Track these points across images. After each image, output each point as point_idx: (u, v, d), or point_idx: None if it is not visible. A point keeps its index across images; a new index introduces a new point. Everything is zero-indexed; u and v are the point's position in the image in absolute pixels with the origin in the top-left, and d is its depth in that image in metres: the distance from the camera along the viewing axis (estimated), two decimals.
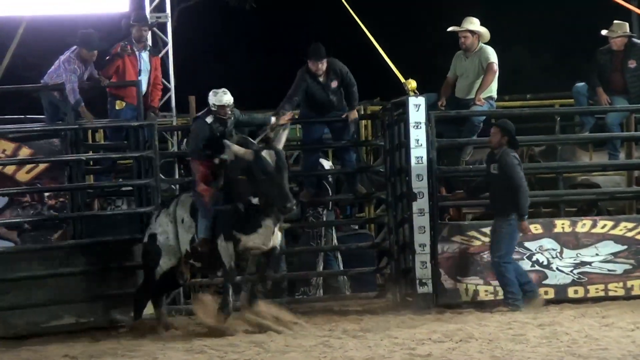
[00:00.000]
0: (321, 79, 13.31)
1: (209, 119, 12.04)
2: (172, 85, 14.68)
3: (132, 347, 11.11)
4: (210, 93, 12.11)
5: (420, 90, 13.31)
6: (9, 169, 12.82)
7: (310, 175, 13.73)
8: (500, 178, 12.44)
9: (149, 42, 14.25)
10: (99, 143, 15.34)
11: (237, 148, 11.72)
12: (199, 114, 12.33)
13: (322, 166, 14.08)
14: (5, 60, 14.59)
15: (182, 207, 12.18)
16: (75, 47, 13.29)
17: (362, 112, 15.05)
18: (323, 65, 13.24)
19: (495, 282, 12.77)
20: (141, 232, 12.72)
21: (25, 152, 12.87)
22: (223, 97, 12.06)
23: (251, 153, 11.64)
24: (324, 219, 13.99)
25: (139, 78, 13.79)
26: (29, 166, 12.87)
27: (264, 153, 11.64)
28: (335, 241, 13.97)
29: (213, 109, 12.03)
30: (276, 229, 11.88)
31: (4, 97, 14.99)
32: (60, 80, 13.17)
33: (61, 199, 13.00)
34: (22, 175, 12.86)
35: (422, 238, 12.94)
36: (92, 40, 13.34)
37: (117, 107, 13.82)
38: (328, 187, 13.94)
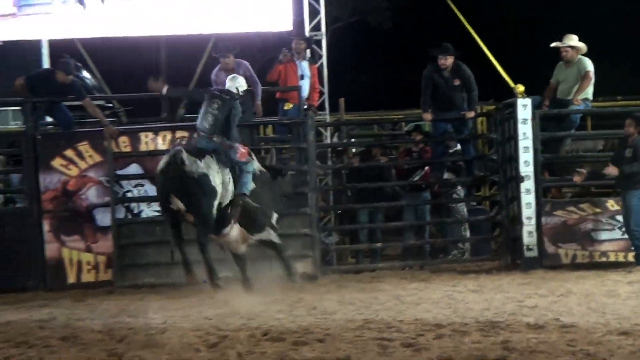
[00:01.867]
0: (446, 74, 13.29)
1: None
2: (326, 89, 14.85)
3: (295, 297, 11.22)
4: (228, 82, 11.37)
5: (527, 93, 13.25)
6: None
7: (438, 162, 13.77)
8: (631, 160, 12.32)
9: (308, 54, 14.43)
10: (268, 136, 15.61)
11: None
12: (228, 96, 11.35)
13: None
14: (197, 70, 14.95)
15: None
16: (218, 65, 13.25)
17: (479, 111, 15.01)
18: (448, 61, 13.20)
19: (591, 247, 12.69)
20: (302, 207, 12.92)
21: None
22: (242, 81, 11.34)
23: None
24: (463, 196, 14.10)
25: (300, 83, 13.97)
26: None
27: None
28: (465, 214, 14.00)
29: (242, 93, 11.36)
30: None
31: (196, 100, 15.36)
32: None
33: None
34: None
35: (528, 212, 12.87)
36: (69, 67, 12.99)
37: (285, 108, 14.01)
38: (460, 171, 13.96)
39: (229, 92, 11.26)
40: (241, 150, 11.13)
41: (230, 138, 11.16)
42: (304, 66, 14.04)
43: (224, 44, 13.13)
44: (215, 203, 10.89)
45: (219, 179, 10.99)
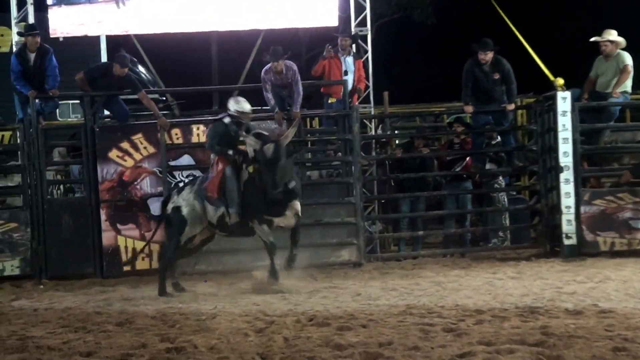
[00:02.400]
0: (486, 69, 13.19)
1: (226, 120, 11.26)
2: (370, 83, 14.78)
3: (340, 284, 11.26)
4: (232, 100, 11.34)
5: (566, 87, 13.13)
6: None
7: (479, 153, 13.68)
8: None
9: (354, 49, 14.36)
10: (314, 128, 15.58)
11: (250, 140, 10.97)
12: (218, 117, 11.54)
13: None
14: (247, 64, 14.97)
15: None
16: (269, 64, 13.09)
17: (519, 104, 14.89)
18: (488, 56, 13.11)
19: (629, 235, 12.54)
20: (347, 197, 12.91)
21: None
22: (246, 105, 11.27)
23: (258, 144, 10.90)
24: (504, 186, 14.02)
25: (345, 78, 13.91)
26: None
27: (267, 146, 10.84)
28: (505, 203, 13.90)
29: (235, 114, 11.20)
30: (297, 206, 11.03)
31: (247, 93, 15.37)
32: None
33: None
34: None
35: (568, 201, 12.72)
36: (125, 60, 13.03)
37: (329, 101, 13.99)
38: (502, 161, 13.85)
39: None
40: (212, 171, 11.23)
41: (209, 149, 11.35)
42: (349, 62, 14.00)
43: (276, 50, 13.06)
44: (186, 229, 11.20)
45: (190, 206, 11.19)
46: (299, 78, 13.00)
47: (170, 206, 11.27)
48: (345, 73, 13.86)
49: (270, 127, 12.92)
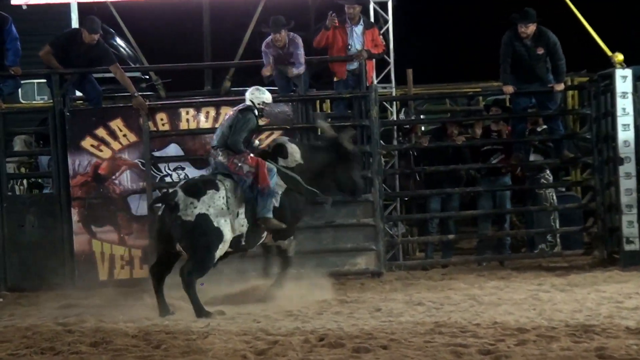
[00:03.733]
0: (528, 42, 13.15)
1: (256, 112, 11.28)
2: (391, 59, 14.73)
3: (357, 298, 11.27)
4: (255, 91, 11.32)
5: (627, 63, 13.06)
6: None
7: (520, 141, 13.64)
8: None
9: (371, 19, 14.25)
10: (325, 113, 15.53)
11: (326, 126, 11.50)
12: (243, 106, 11.29)
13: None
14: (245, 38, 14.92)
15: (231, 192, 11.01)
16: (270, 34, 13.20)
17: (569, 83, 14.85)
18: (530, 29, 13.08)
19: None
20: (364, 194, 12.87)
21: (262, 120, 13.11)
22: (269, 95, 11.35)
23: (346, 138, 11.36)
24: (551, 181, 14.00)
25: (350, 52, 13.78)
26: (266, 133, 13.05)
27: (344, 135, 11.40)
28: (553, 201, 13.85)
29: (260, 105, 11.25)
30: None
31: (244, 71, 15.36)
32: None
33: None
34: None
35: (628, 199, 12.75)
36: (94, 24, 12.97)
37: (335, 79, 13.90)
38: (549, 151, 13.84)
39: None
40: (248, 168, 11.01)
41: (234, 147, 11.04)
42: (357, 32, 13.86)
43: (277, 20, 13.05)
44: (220, 245, 10.78)
45: (226, 215, 10.86)
46: (302, 52, 13.04)
47: (192, 211, 10.76)
48: (349, 47, 13.72)
49: (272, 111, 12.90)
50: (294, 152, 11.38)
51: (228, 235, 10.82)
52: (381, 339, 8.64)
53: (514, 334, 8.66)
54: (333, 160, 11.42)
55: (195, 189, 10.86)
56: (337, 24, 13.75)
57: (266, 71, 13.17)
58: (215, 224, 10.73)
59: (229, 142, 11.06)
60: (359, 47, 13.70)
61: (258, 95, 11.32)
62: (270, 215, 11.00)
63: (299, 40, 13.25)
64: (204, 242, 10.70)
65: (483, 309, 10.15)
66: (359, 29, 13.89)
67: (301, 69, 13.18)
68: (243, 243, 11.04)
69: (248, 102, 11.27)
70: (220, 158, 11.11)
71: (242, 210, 10.95)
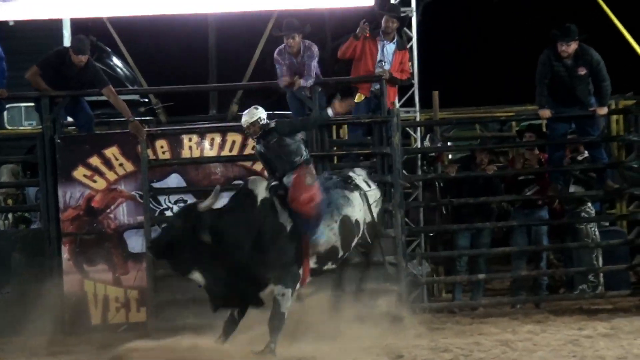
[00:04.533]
0: (568, 62, 13.16)
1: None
2: (415, 80, 14.73)
3: (375, 344, 11.21)
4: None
5: None
6: (258, 166, 12.78)
7: (557, 170, 13.61)
8: None
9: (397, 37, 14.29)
10: (342, 139, 15.53)
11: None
12: None
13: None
14: (254, 57, 14.98)
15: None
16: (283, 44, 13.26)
17: (614, 107, 14.83)
18: (571, 47, 13.09)
19: None
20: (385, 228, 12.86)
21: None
22: (247, 115, 11.27)
23: None
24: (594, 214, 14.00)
25: (378, 69, 13.80)
26: None
27: None
28: (596, 237, 13.81)
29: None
30: None
31: (253, 94, 15.40)
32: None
33: None
34: (258, 166, 12.90)
35: None
36: (81, 44, 13.02)
37: (355, 100, 13.78)
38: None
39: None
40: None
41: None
42: (388, 50, 13.87)
43: (290, 21, 13.13)
44: None
45: None
46: (316, 64, 13.13)
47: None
48: (380, 63, 13.75)
49: None
50: None
51: None
52: None
53: None
54: None
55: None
56: (367, 35, 13.76)
57: (285, 80, 13.14)
58: None
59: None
60: (387, 67, 13.73)
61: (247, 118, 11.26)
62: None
63: (315, 50, 13.28)
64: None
65: (517, 356, 10.21)
66: (391, 47, 13.89)
67: (309, 82, 13.13)
68: None
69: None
70: None
71: None
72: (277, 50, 13.24)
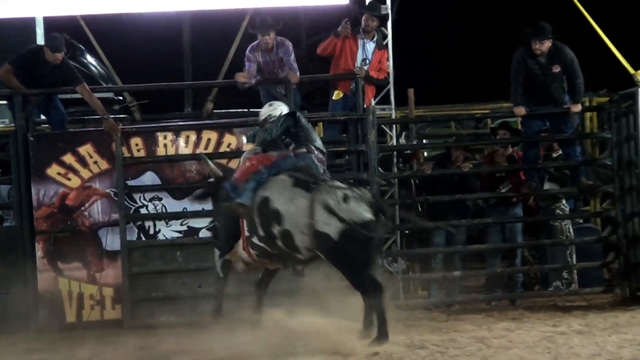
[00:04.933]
0: (542, 60, 13.22)
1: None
2: (391, 78, 14.76)
3: (351, 339, 10.97)
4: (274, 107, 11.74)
5: None
6: (234, 163, 12.94)
7: (532, 168, 13.67)
8: None
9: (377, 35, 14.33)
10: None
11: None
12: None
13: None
14: (229, 54, 14.97)
15: None
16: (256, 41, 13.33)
17: (587, 104, 14.88)
18: (545, 46, 13.15)
19: None
20: None
21: (248, 146, 13.13)
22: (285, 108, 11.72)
23: None
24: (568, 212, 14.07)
25: (358, 67, 13.80)
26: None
27: None
28: (570, 234, 13.88)
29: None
30: None
31: (229, 92, 15.40)
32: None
33: None
34: (234, 164, 12.97)
35: None
36: (57, 42, 13.05)
37: (334, 97, 13.94)
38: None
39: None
40: None
41: None
42: (368, 49, 13.92)
43: (264, 19, 13.16)
44: None
45: None
46: (294, 58, 13.16)
47: (335, 228, 10.77)
48: (364, 61, 13.79)
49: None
50: None
51: None
52: None
53: None
54: None
55: None
56: (349, 34, 13.80)
57: (241, 77, 13.19)
58: None
59: None
60: (366, 65, 13.81)
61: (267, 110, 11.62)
62: None
63: (290, 45, 13.33)
64: None
65: (492, 353, 10.18)
66: (371, 45, 13.95)
67: (298, 74, 13.22)
68: None
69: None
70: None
71: None
72: (249, 47, 13.26)
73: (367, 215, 10.67)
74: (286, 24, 13.72)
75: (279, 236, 10.97)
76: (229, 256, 11.44)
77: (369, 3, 14.18)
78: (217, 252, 11.53)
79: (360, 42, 13.90)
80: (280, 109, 11.56)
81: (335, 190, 10.80)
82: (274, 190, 11.07)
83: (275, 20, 13.22)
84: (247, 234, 11.21)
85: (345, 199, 10.70)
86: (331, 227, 10.67)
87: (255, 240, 11.17)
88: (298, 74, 13.27)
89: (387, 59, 14.46)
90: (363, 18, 13.98)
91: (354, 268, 10.70)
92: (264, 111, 11.64)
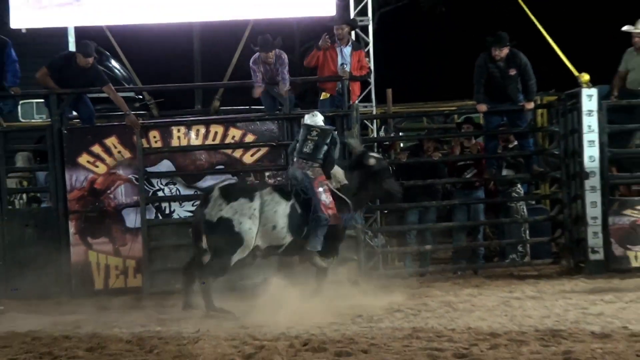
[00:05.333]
0: (500, 64, 13.25)
1: None
2: (372, 79, 14.77)
3: (338, 304, 11.05)
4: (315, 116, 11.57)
5: (593, 83, 13.13)
6: (238, 153, 13.16)
7: (492, 157, 13.72)
8: None
9: (352, 38, 14.31)
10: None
11: (356, 143, 12.14)
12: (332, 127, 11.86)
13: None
14: (234, 59, 14.96)
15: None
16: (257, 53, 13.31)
17: (539, 102, 14.91)
18: (503, 52, 13.19)
19: None
20: None
21: (250, 138, 13.21)
22: (321, 118, 11.60)
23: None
24: (522, 194, 14.08)
25: (340, 72, 13.79)
26: (253, 150, 13.16)
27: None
28: (524, 213, 13.89)
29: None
30: None
31: (233, 91, 15.39)
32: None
33: (279, 178, 13.25)
34: (248, 158, 13.16)
35: (594, 212, 12.77)
36: (88, 49, 12.96)
37: (321, 98, 13.96)
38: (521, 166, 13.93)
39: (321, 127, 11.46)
40: (325, 202, 11.16)
41: (326, 168, 11.31)
42: (346, 53, 13.93)
43: (266, 40, 13.14)
44: (240, 249, 10.88)
45: (251, 223, 10.93)
46: (287, 69, 13.14)
47: (217, 213, 10.85)
48: (343, 66, 13.81)
49: (259, 129, 13.04)
50: (337, 173, 11.46)
51: (249, 243, 10.87)
52: (362, 343, 8.67)
53: (487, 339, 8.70)
54: (366, 175, 11.54)
55: (229, 193, 10.98)
56: (329, 45, 13.80)
57: (258, 92, 13.25)
58: (237, 229, 10.80)
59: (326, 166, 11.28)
60: (347, 67, 13.75)
61: (311, 120, 11.48)
62: (319, 248, 11.13)
63: (285, 58, 13.31)
64: (223, 244, 10.79)
65: (458, 315, 10.19)
66: (347, 49, 13.94)
67: (288, 85, 13.22)
68: (281, 252, 11.21)
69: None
70: (309, 172, 11.23)
71: (282, 225, 11.05)
72: (252, 59, 13.23)
73: None
74: (281, 31, 13.74)
75: None
76: None
77: (338, 16, 14.16)
78: None
79: (338, 49, 13.91)
80: (320, 118, 11.50)
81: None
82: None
83: (274, 37, 13.19)
84: None
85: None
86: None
87: None
88: (288, 84, 13.21)
89: (369, 63, 14.49)
90: (334, 30, 13.98)
91: None
92: (309, 121, 11.44)
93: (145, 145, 12.99)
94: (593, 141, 12.83)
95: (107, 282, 12.85)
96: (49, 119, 13.38)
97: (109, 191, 13.01)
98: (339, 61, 13.82)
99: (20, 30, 14.68)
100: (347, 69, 13.71)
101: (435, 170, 13.79)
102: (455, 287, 12.32)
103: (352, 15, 14.82)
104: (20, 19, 14.58)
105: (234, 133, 13.16)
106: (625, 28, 13.32)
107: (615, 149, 13.08)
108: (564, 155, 13.35)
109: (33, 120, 17.01)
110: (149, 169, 13.03)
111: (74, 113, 13.72)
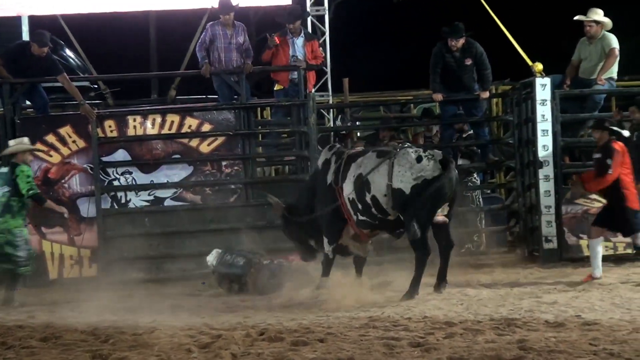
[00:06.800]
0: (456, 54, 13.29)
1: None
2: (328, 69, 14.76)
3: (294, 295, 11.12)
4: None
5: (546, 72, 13.18)
6: (194, 142, 13.11)
7: (448, 146, 13.70)
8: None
9: (309, 30, 14.28)
10: (266, 120, 15.51)
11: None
12: None
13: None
14: (190, 48, 14.86)
15: None
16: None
17: (494, 92, 14.95)
18: (459, 43, 13.23)
19: (615, 239, 12.56)
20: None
21: (206, 127, 13.14)
22: None
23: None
24: (478, 183, 14.11)
25: (293, 62, 13.75)
26: (209, 139, 13.13)
27: None
28: (479, 202, 13.92)
29: None
30: None
31: (189, 80, 15.29)
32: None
33: (235, 167, 13.21)
34: (204, 147, 13.13)
35: (547, 200, 12.84)
36: (44, 38, 12.89)
37: (275, 89, 13.99)
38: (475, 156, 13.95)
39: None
40: None
41: None
42: (298, 44, 13.89)
43: (225, 2, 13.22)
44: None
45: None
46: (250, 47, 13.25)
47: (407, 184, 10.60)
48: (294, 58, 13.76)
49: (216, 119, 12.99)
50: None
51: None
52: (318, 332, 8.68)
53: (443, 328, 8.74)
54: None
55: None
56: (278, 42, 13.75)
57: (207, 70, 13.28)
58: None
59: None
60: (300, 57, 13.72)
61: None
62: None
63: (244, 26, 13.50)
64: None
65: (414, 304, 10.20)
66: (300, 41, 13.92)
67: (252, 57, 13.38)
68: None
69: None
70: None
71: None
72: (209, 24, 13.40)
73: (437, 171, 10.56)
74: (237, 20, 13.67)
75: (371, 203, 10.84)
76: (341, 241, 11.25)
77: (286, 14, 14.08)
78: (326, 240, 11.24)
79: (290, 41, 13.86)
80: None
81: (408, 153, 10.70)
82: (365, 166, 10.95)
83: (236, 3, 13.26)
84: (352, 216, 11.02)
85: (419, 159, 10.62)
86: (404, 184, 10.59)
87: (359, 217, 10.99)
88: (252, 58, 13.36)
89: (324, 52, 14.46)
90: (286, 26, 13.92)
91: (419, 220, 10.61)
92: None
93: (101, 134, 12.90)
94: (546, 130, 12.88)
95: (62, 272, 12.74)
96: (2, 109, 13.18)
97: (63, 181, 12.93)
98: (290, 53, 13.77)
99: None
100: (301, 58, 13.65)
101: None
102: (411, 276, 12.21)
103: (308, 4, 14.77)
104: None
105: (191, 122, 13.13)
106: (577, 17, 13.40)
107: (568, 138, 13.15)
108: (518, 144, 13.41)
109: None
110: (105, 159, 12.94)
111: (28, 102, 13.57)
